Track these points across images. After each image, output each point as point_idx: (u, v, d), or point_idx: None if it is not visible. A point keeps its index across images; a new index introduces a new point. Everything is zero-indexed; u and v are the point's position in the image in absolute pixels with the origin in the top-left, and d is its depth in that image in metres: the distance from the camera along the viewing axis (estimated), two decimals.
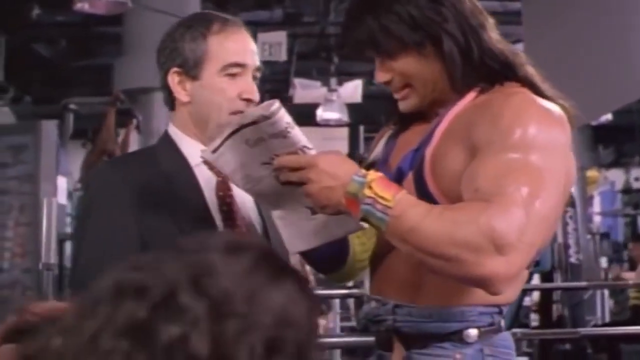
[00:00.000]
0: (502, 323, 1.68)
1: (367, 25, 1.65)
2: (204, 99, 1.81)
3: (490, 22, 1.70)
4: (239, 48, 1.83)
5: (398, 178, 1.67)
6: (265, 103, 1.55)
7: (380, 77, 1.70)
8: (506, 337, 1.69)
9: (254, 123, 1.53)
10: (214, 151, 1.59)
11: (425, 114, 1.74)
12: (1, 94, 9.38)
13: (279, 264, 0.91)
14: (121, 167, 1.90)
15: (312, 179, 1.52)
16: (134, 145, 7.20)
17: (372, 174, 1.49)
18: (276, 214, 1.71)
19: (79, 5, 6.00)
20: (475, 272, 1.40)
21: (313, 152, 1.57)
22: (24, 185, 5.55)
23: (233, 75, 1.80)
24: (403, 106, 1.73)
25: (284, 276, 0.89)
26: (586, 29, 4.89)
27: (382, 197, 1.46)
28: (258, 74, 1.86)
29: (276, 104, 1.53)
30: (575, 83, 4.66)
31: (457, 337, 1.63)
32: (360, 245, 1.86)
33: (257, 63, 1.85)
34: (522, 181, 1.44)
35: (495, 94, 1.63)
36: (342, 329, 6.99)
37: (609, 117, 10.11)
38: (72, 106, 8.79)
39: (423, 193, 1.60)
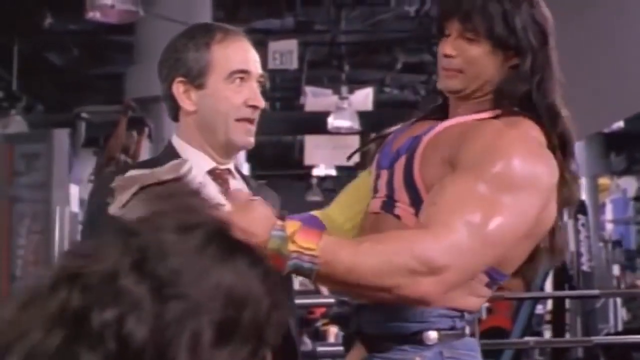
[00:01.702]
0: (467, 329, 1.70)
1: (474, 1, 1.67)
2: (210, 108, 1.83)
3: (560, 80, 1.73)
4: (242, 56, 1.85)
5: (394, 159, 1.72)
6: (174, 162, 1.51)
7: (449, 49, 1.71)
8: (470, 342, 1.71)
9: (164, 182, 1.49)
10: (122, 207, 1.55)
11: (445, 116, 1.77)
12: (14, 102, 9.42)
13: (232, 241, 0.86)
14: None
15: None
16: (144, 153, 7.22)
17: (291, 226, 1.46)
18: None
19: (91, 14, 6.03)
20: (412, 293, 1.47)
21: (226, 208, 1.51)
22: (36, 194, 5.57)
23: (238, 82, 1.82)
24: (444, 83, 1.75)
25: (237, 253, 0.85)
26: (597, 36, 4.88)
27: (306, 248, 1.44)
28: (262, 81, 1.88)
29: (187, 164, 1.50)
30: (588, 91, 4.64)
31: (416, 339, 1.65)
32: (342, 216, 1.88)
33: (260, 71, 1.88)
34: (473, 212, 1.50)
35: (496, 121, 1.66)
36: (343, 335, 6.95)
37: (620, 124, 10.06)
38: (84, 115, 8.81)
39: (407, 174, 1.66)
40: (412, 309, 1.64)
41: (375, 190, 1.76)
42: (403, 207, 1.67)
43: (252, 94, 1.83)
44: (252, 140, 1.86)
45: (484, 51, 1.68)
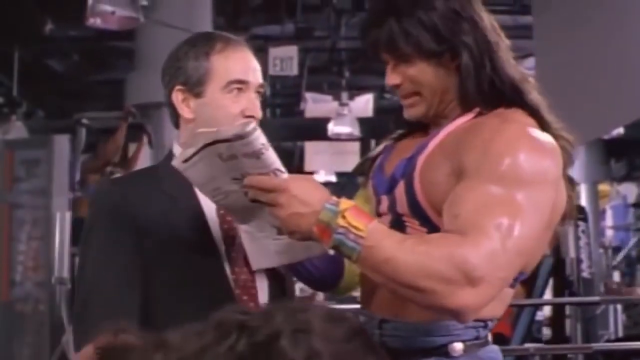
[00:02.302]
0: (489, 337, 1.70)
1: (388, 26, 1.65)
2: (208, 116, 1.83)
3: (506, 43, 1.70)
4: (241, 66, 1.85)
5: (391, 185, 1.70)
6: (241, 122, 1.56)
7: (392, 79, 1.70)
8: (493, 350, 1.71)
9: (228, 140, 1.53)
10: (186, 160, 1.58)
11: (425, 127, 1.76)
12: (14, 108, 9.43)
13: (371, 341, 0.95)
14: (124, 187, 1.92)
15: (282, 204, 1.50)
16: (145, 159, 7.22)
17: (345, 203, 1.48)
18: (243, 228, 1.72)
19: (91, 21, 6.04)
20: (446, 303, 1.44)
21: (285, 175, 1.55)
22: (36, 200, 5.57)
23: (236, 92, 1.83)
24: (408, 113, 1.74)
25: (373, 352, 0.93)
26: (597, 43, 4.89)
27: (355, 227, 1.45)
28: (262, 91, 1.88)
29: (252, 124, 1.53)
30: (587, 97, 4.65)
31: (442, 352, 1.64)
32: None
33: (260, 80, 1.88)
34: (501, 215, 1.47)
35: (491, 117, 1.64)
36: None
37: (620, 130, 10.07)
38: (84, 121, 8.81)
39: (412, 201, 1.63)
40: (437, 323, 1.63)
41: (378, 214, 1.74)
42: (414, 227, 1.65)
43: (249, 104, 1.83)
44: None
45: (423, 68, 1.65)
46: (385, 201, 1.72)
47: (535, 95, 1.68)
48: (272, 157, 1.55)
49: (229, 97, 1.83)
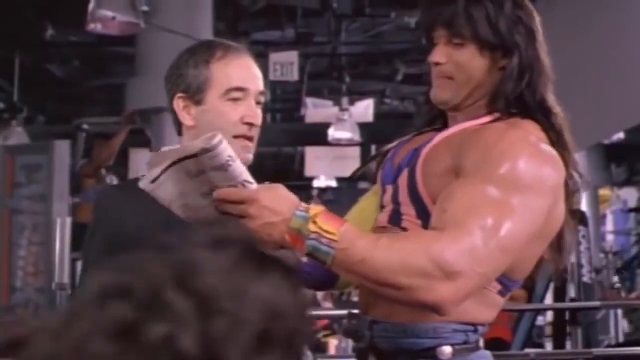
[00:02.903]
0: (480, 342, 1.71)
1: (455, 6, 1.67)
2: (208, 123, 1.84)
3: (548, 65, 1.73)
4: (241, 73, 1.86)
5: (397, 174, 1.72)
6: (207, 136, 1.54)
7: (437, 56, 1.71)
8: (484, 355, 1.71)
9: (194, 156, 1.52)
10: (153, 181, 1.58)
11: (443, 126, 1.77)
12: (15, 113, 9.43)
13: (264, 256, 0.88)
14: (126, 193, 1.93)
15: (253, 215, 1.49)
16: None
17: (314, 208, 1.49)
18: None
19: (92, 26, 6.04)
20: (425, 297, 1.45)
21: (254, 186, 1.55)
22: (37, 205, 5.58)
23: (235, 99, 1.83)
24: (434, 94, 1.75)
25: (270, 268, 0.87)
26: (598, 48, 4.89)
27: (326, 231, 1.46)
28: (262, 98, 1.89)
29: (218, 137, 1.52)
30: (588, 102, 4.65)
31: (430, 354, 1.65)
32: None
33: (261, 88, 1.88)
34: (488, 215, 1.49)
35: (499, 123, 1.66)
36: (355, 349, 6.95)
37: (621, 135, 10.07)
38: (84, 126, 8.82)
39: (412, 189, 1.65)
40: (426, 325, 1.64)
41: (382, 205, 1.76)
42: (409, 219, 1.67)
43: (249, 111, 1.84)
44: (249, 156, 1.87)
45: (472, 54, 1.68)
46: (389, 191, 1.74)
47: (559, 120, 1.69)
48: (239, 169, 1.55)
49: (228, 104, 1.84)
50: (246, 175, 1.56)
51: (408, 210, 1.67)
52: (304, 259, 1.79)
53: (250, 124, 1.84)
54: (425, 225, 1.61)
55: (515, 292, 1.90)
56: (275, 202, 1.49)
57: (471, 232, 1.46)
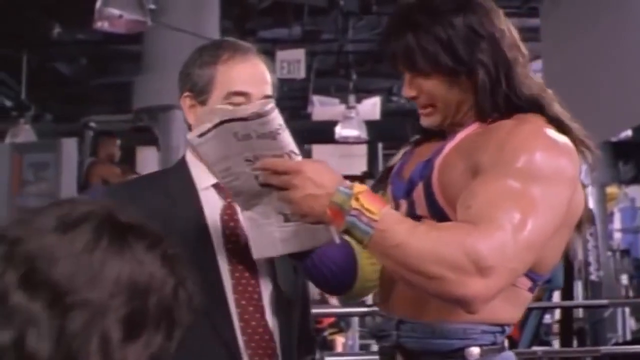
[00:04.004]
0: (506, 343, 1.69)
1: (405, 41, 1.65)
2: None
3: (525, 55, 1.70)
4: (244, 77, 1.85)
5: (409, 188, 1.70)
6: (260, 102, 1.55)
7: (408, 92, 1.71)
8: (509, 356, 1.70)
9: (245, 119, 1.51)
10: (201, 135, 1.56)
11: (442, 132, 1.76)
12: (22, 112, 9.46)
13: (123, 227, 0.82)
14: (132, 189, 1.95)
15: (297, 185, 1.50)
16: (153, 161, 7.24)
17: (359, 186, 1.49)
18: (247, 214, 1.70)
19: (99, 24, 6.05)
20: (456, 291, 1.43)
21: (299, 158, 1.55)
22: (44, 202, 5.58)
23: (236, 104, 1.81)
24: (425, 122, 1.74)
25: (130, 239, 0.81)
26: (605, 45, 4.88)
27: (368, 210, 1.45)
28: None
29: (271, 104, 1.52)
30: (595, 99, 4.64)
31: (459, 355, 1.63)
32: (370, 265, 1.86)
33: (266, 92, 1.86)
34: (514, 208, 1.46)
35: (507, 121, 1.64)
36: (362, 347, 6.96)
37: (628, 133, 10.04)
38: (92, 124, 8.85)
39: (431, 202, 1.64)
40: (455, 326, 1.62)
41: None
42: None
43: None
44: None
45: (440, 82, 1.66)
46: (403, 205, 1.72)
47: (556, 108, 1.68)
48: (287, 139, 1.54)
49: (230, 108, 1.81)
50: (293, 146, 1.55)
51: (431, 221, 1.65)
52: (334, 260, 1.79)
53: None
54: None
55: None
56: (321, 176, 1.49)
57: (502, 226, 1.44)
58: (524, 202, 1.48)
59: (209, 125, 1.55)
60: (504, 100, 1.66)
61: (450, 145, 1.68)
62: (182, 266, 0.86)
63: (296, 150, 1.55)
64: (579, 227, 1.70)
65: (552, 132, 1.60)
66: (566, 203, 1.55)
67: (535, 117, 1.64)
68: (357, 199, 1.46)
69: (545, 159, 1.54)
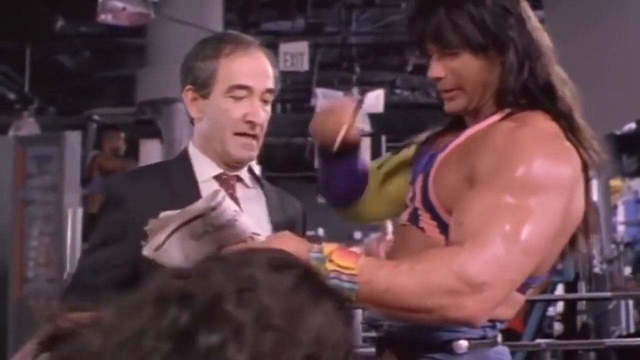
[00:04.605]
0: (499, 338, 1.69)
1: (437, 17, 1.64)
2: (211, 118, 1.86)
3: (547, 43, 1.69)
4: (246, 71, 1.84)
5: (413, 178, 1.72)
6: (208, 195, 1.51)
7: (435, 72, 1.69)
8: (501, 352, 1.70)
9: (199, 217, 1.49)
10: (157, 249, 1.53)
11: (459, 127, 1.75)
12: (26, 105, 9.47)
13: (320, 284, 0.91)
14: (134, 180, 1.94)
15: None
16: (156, 154, 7.24)
17: (328, 247, 1.47)
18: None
19: (102, 17, 6.05)
20: (457, 314, 1.43)
21: (262, 237, 1.54)
22: (48, 196, 5.60)
23: (238, 97, 1.82)
24: (448, 107, 1.72)
25: (325, 296, 0.90)
26: (609, 38, 4.87)
27: (345, 267, 1.43)
28: (269, 97, 1.87)
29: (221, 193, 1.50)
30: (599, 92, 4.63)
31: (447, 348, 1.63)
32: (370, 205, 1.95)
33: (268, 86, 1.86)
34: (506, 222, 1.46)
35: (507, 122, 1.63)
36: (364, 339, 6.96)
37: (632, 126, 10.04)
38: (95, 117, 8.86)
39: (425, 197, 1.65)
40: None
41: (407, 204, 1.76)
42: (426, 220, 1.66)
43: (251, 109, 1.83)
44: (251, 154, 1.87)
45: (468, 61, 1.65)
46: (410, 190, 1.74)
47: (566, 102, 1.66)
48: (246, 222, 1.53)
49: (231, 101, 1.83)
50: (253, 227, 1.54)
51: (424, 213, 1.67)
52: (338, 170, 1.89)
53: (252, 123, 1.83)
54: (440, 227, 1.61)
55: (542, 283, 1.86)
56: (289, 249, 1.47)
57: (491, 241, 1.44)
58: (518, 214, 1.47)
59: (163, 236, 1.52)
60: (521, 86, 1.64)
61: (454, 143, 1.67)
62: (354, 335, 0.97)
63: (256, 230, 1.54)
64: (586, 232, 1.69)
65: (550, 136, 1.59)
66: (563, 210, 1.55)
67: (538, 115, 1.63)
68: (330, 261, 1.43)
69: (542, 167, 1.52)
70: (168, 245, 1.53)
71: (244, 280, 0.86)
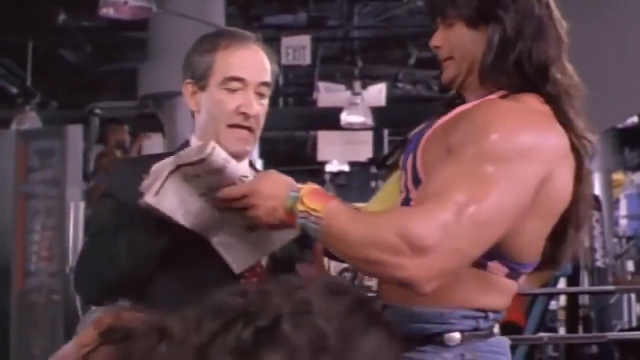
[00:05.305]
0: (495, 329, 1.67)
1: None
2: (207, 111, 1.91)
3: (555, 34, 1.69)
4: (241, 63, 1.89)
5: (405, 158, 1.72)
6: (200, 145, 1.63)
7: (434, 41, 1.75)
8: (497, 344, 1.67)
9: (192, 164, 1.62)
10: (156, 193, 1.65)
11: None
12: (28, 98, 9.46)
13: (374, 311, 0.94)
14: (138, 165, 1.94)
15: (256, 204, 1.60)
16: (158, 148, 7.24)
17: (305, 188, 1.56)
18: (215, 241, 1.78)
19: (104, 11, 6.05)
20: (396, 273, 1.44)
21: (250, 178, 1.66)
22: (50, 189, 5.60)
23: (233, 89, 1.87)
24: (443, 78, 1.77)
25: (378, 323, 0.92)
26: (612, 31, 4.86)
27: (313, 209, 1.52)
28: (264, 90, 1.91)
29: (211, 144, 1.61)
30: (601, 86, 4.62)
31: (438, 340, 1.62)
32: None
33: (263, 79, 1.90)
34: (466, 189, 1.45)
35: (493, 97, 1.64)
36: None
37: (635, 119, 10.03)
38: (97, 111, 8.86)
39: (414, 175, 1.65)
40: (433, 311, 1.61)
41: (401, 191, 1.75)
42: (415, 198, 1.65)
43: (244, 101, 1.87)
44: (246, 148, 1.91)
45: (461, 31, 1.68)
46: (403, 176, 1.73)
47: (559, 88, 1.64)
48: (235, 168, 1.65)
49: (225, 93, 1.87)
50: (241, 170, 1.67)
51: (415, 196, 1.64)
52: None
53: (246, 114, 1.86)
54: None
55: (543, 275, 1.85)
56: (273, 187, 1.60)
57: (445, 208, 1.42)
58: (479, 182, 1.45)
59: (159, 182, 1.65)
60: (513, 65, 1.63)
61: (441, 120, 1.68)
62: None
63: (245, 172, 1.68)
64: (576, 224, 1.67)
65: (538, 114, 1.58)
66: (533, 183, 1.51)
67: (534, 97, 1.62)
68: (302, 202, 1.54)
69: (512, 136, 1.50)
70: (165, 189, 1.66)
71: (301, 303, 0.89)
